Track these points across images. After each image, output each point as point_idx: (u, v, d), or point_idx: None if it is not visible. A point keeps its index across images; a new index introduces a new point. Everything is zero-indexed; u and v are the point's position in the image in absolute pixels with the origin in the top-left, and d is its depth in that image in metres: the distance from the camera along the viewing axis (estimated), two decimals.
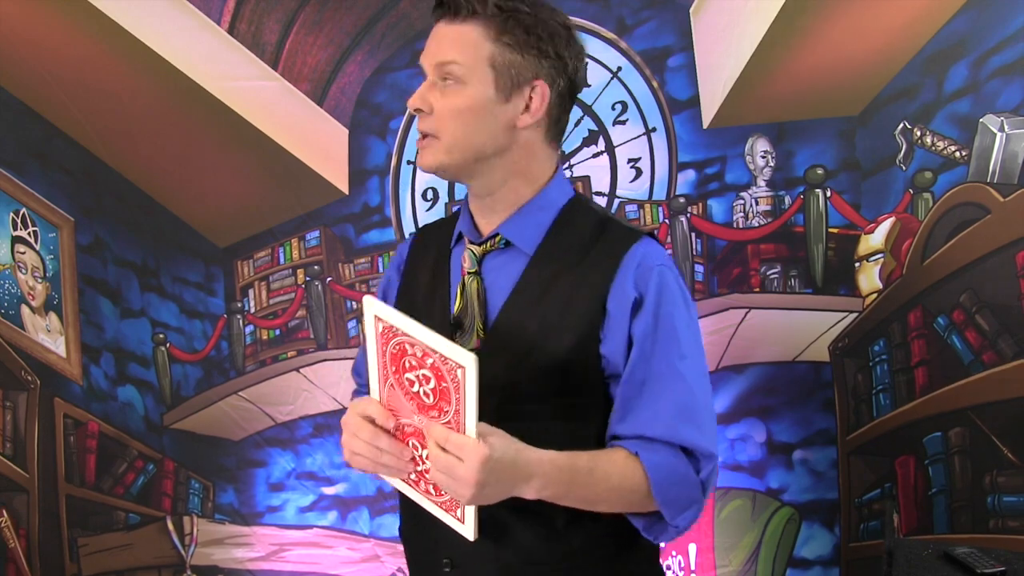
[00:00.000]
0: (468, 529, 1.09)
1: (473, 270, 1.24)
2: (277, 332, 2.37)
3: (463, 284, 1.24)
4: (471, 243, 1.26)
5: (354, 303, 2.32)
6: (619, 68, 2.10)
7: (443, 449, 1.03)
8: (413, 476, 1.14)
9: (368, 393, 1.26)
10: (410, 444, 1.11)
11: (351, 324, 2.33)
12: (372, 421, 1.11)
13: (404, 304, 1.32)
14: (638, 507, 1.17)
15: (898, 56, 1.91)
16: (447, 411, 1.04)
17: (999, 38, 1.83)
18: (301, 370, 2.35)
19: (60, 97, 2.26)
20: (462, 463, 1.02)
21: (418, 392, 1.06)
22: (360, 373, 1.47)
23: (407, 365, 1.06)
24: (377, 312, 1.06)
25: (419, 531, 1.28)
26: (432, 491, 1.12)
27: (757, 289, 2.08)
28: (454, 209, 2.11)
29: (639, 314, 1.16)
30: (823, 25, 1.94)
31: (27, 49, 2.22)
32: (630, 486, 1.14)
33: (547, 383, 1.17)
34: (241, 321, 2.38)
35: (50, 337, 2.39)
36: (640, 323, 1.16)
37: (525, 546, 1.17)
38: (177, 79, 2.21)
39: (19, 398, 2.38)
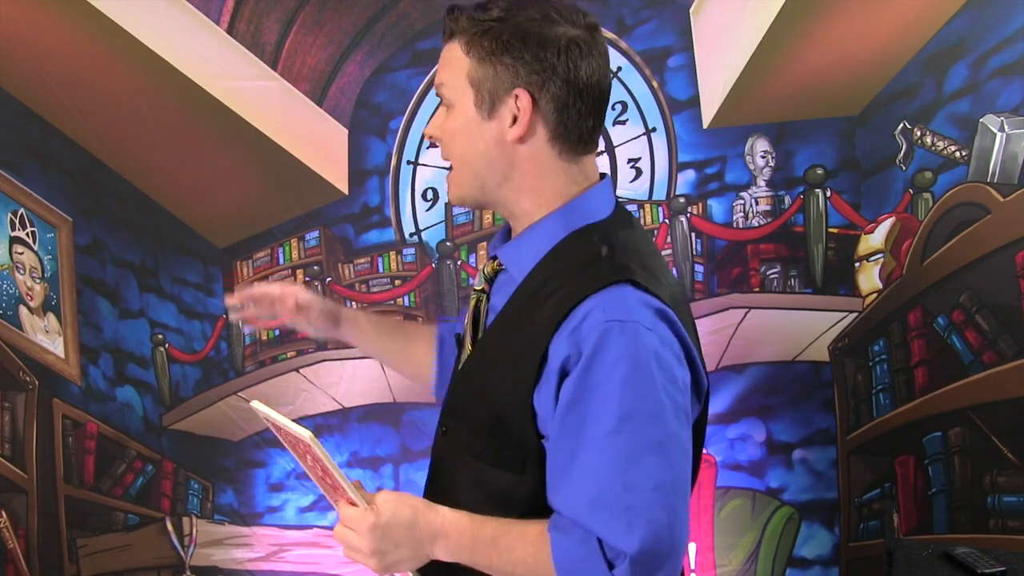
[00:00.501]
0: None
1: (479, 288, 1.21)
2: (276, 332, 2.37)
3: (472, 300, 1.23)
4: (488, 260, 1.22)
5: (354, 303, 2.32)
6: (619, 68, 2.10)
7: (344, 525, 1.05)
8: None
9: None
10: None
11: None
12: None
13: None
14: None
15: (898, 56, 1.91)
16: (340, 489, 1.03)
17: (999, 38, 1.83)
18: (301, 370, 2.35)
19: (59, 97, 2.26)
20: (355, 534, 1.03)
21: (320, 476, 1.06)
22: None
23: (301, 455, 1.07)
24: (263, 413, 1.05)
25: None
26: None
27: (757, 289, 2.08)
28: (454, 210, 2.11)
29: (569, 376, 1.02)
30: (823, 25, 1.94)
31: (26, 49, 2.22)
32: (534, 563, 1.04)
33: (488, 426, 1.11)
34: (240, 322, 2.38)
35: (48, 338, 2.38)
36: (568, 386, 1.02)
37: None
38: (177, 79, 2.20)
39: (17, 399, 2.38)
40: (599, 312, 1.01)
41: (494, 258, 1.19)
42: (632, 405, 0.99)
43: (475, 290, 1.22)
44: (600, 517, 1.00)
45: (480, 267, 1.24)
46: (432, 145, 1.35)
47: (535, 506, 1.08)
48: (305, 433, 0.98)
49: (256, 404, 1.06)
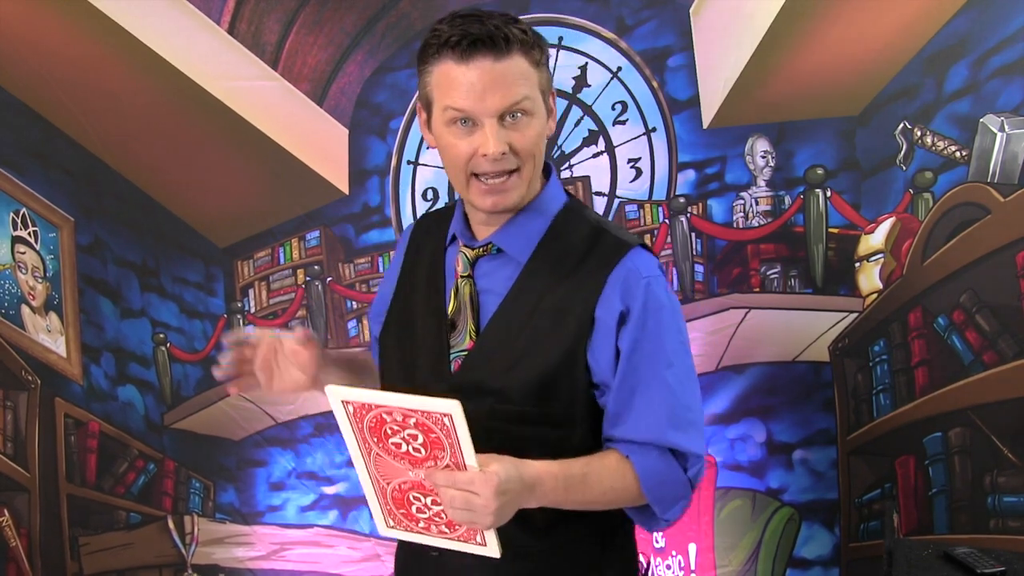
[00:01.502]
0: (492, 550, 1.14)
1: (465, 274, 1.28)
2: (277, 332, 2.37)
3: (456, 287, 1.28)
4: (464, 246, 1.29)
5: (354, 303, 2.32)
6: (619, 68, 2.10)
7: (454, 488, 1.08)
8: (422, 525, 1.18)
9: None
10: (410, 498, 1.15)
11: (351, 324, 2.33)
12: None
13: (402, 299, 1.37)
14: (630, 503, 1.24)
15: (898, 56, 1.91)
16: (442, 457, 1.08)
17: (999, 38, 1.83)
18: None
19: (61, 97, 2.26)
20: (478, 496, 1.07)
21: (407, 451, 1.10)
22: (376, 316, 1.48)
23: (388, 432, 1.09)
24: (343, 397, 1.09)
25: None
26: (446, 529, 1.16)
27: (757, 289, 2.08)
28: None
29: (626, 327, 1.20)
30: (823, 25, 1.94)
31: (27, 49, 2.22)
32: (622, 487, 1.21)
33: (535, 390, 1.21)
34: (241, 321, 2.38)
35: (50, 337, 2.39)
36: (627, 335, 1.20)
37: (509, 538, 1.20)
38: (177, 79, 2.21)
39: (20, 398, 2.39)
40: (635, 273, 1.20)
41: (484, 245, 1.27)
42: (677, 343, 1.23)
43: (462, 276, 1.28)
44: (674, 433, 1.20)
45: (458, 254, 1.30)
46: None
47: (585, 452, 1.22)
48: (451, 402, 1.02)
49: (333, 390, 1.09)
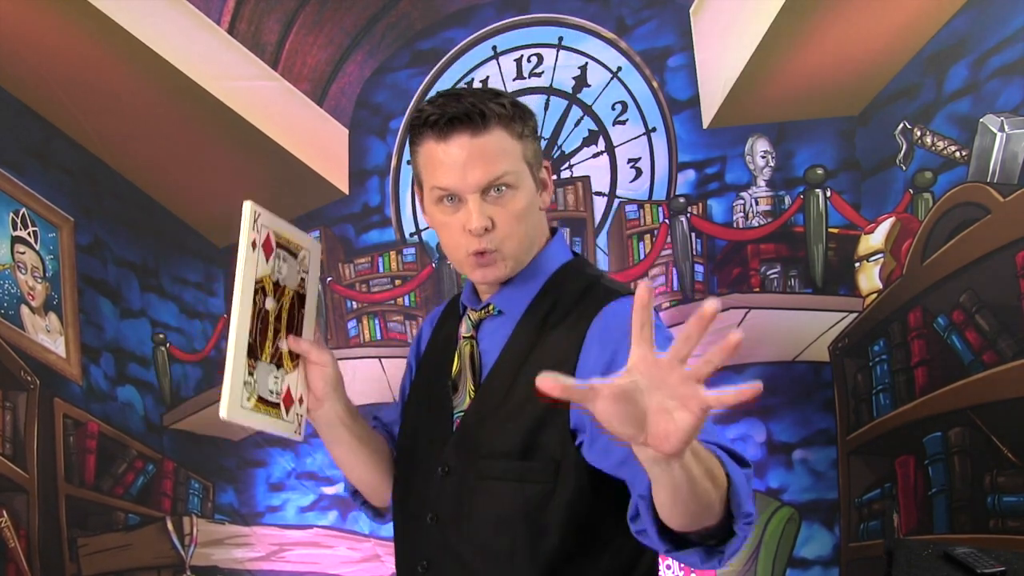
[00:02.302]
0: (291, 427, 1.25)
1: (468, 335, 1.31)
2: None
3: (459, 349, 1.32)
4: (470, 310, 1.34)
5: (354, 303, 2.32)
6: (619, 68, 2.10)
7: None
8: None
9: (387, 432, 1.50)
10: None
11: (351, 324, 2.33)
12: None
13: (420, 369, 1.43)
14: (716, 499, 1.00)
15: (898, 56, 1.91)
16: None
17: (999, 38, 1.83)
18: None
19: (60, 97, 2.26)
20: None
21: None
22: (379, 416, 1.55)
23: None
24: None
25: (401, 536, 1.38)
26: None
27: (757, 289, 2.08)
28: None
29: (612, 369, 1.05)
30: (823, 25, 1.94)
31: (27, 49, 2.22)
32: (714, 473, 0.98)
33: (519, 447, 1.20)
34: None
35: (50, 337, 2.39)
36: (601, 365, 1.13)
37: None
38: (177, 79, 2.21)
39: (19, 398, 2.38)
40: (615, 317, 1.17)
41: (486, 306, 1.30)
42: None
43: (464, 337, 1.31)
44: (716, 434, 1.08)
45: (463, 318, 1.34)
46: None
47: (571, 510, 1.19)
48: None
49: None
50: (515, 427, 1.20)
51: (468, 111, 1.17)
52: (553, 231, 1.33)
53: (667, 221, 2.11)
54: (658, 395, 0.81)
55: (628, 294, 1.22)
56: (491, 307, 1.31)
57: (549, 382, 0.80)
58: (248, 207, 1.23)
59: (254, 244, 1.24)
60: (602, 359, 1.14)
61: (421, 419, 1.36)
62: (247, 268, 1.24)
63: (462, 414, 1.28)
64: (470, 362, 1.29)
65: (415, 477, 1.33)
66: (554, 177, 2.17)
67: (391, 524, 1.45)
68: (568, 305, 1.24)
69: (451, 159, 1.18)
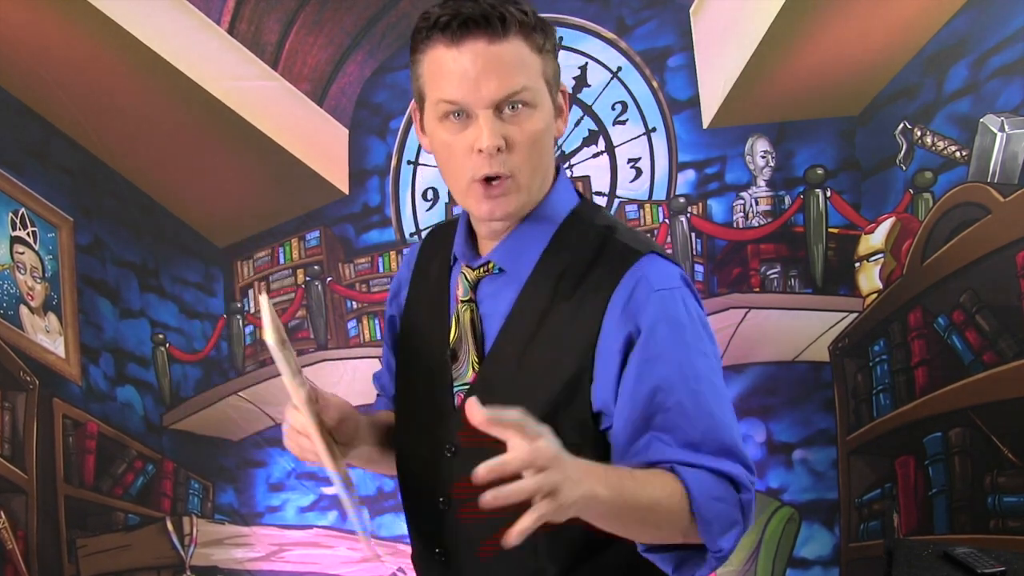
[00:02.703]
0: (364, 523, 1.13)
1: (466, 298, 1.14)
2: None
3: (457, 313, 1.15)
4: (466, 267, 1.16)
5: (354, 303, 2.32)
6: (619, 68, 2.10)
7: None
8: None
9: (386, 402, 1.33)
10: None
11: (351, 324, 2.33)
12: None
13: (407, 327, 1.25)
14: (681, 528, 1.00)
15: (898, 56, 1.91)
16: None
17: (999, 38, 1.83)
18: (301, 370, 2.34)
19: (60, 97, 2.26)
20: (545, 459, 0.86)
21: None
22: (381, 381, 1.39)
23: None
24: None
25: (414, 521, 1.25)
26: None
27: (757, 289, 2.08)
28: (455, 210, 2.09)
29: (635, 350, 1.03)
30: (823, 25, 1.94)
31: (27, 49, 2.22)
32: (669, 502, 0.98)
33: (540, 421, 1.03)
34: (241, 321, 2.38)
35: (49, 337, 2.39)
36: (636, 360, 1.03)
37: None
38: (177, 79, 2.20)
39: (18, 399, 2.38)
40: (644, 284, 1.04)
41: (484, 264, 1.13)
42: (701, 366, 1.04)
43: (462, 301, 1.15)
44: (717, 456, 1.02)
45: (459, 276, 1.16)
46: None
47: None
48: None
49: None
50: (527, 406, 1.00)
51: (486, 13, 1.00)
52: (556, 169, 1.14)
53: (667, 221, 2.11)
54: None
55: (650, 251, 1.08)
56: (491, 265, 1.12)
57: (475, 412, 0.81)
58: (267, 303, 1.03)
59: (284, 342, 1.08)
60: (623, 334, 1.03)
61: (418, 391, 1.20)
62: (290, 369, 1.08)
63: (465, 388, 1.13)
64: (471, 329, 1.13)
65: (418, 456, 1.19)
66: None
67: (391, 523, 1.42)
68: (582, 265, 1.08)
69: (462, 68, 1.01)
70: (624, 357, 1.03)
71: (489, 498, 0.83)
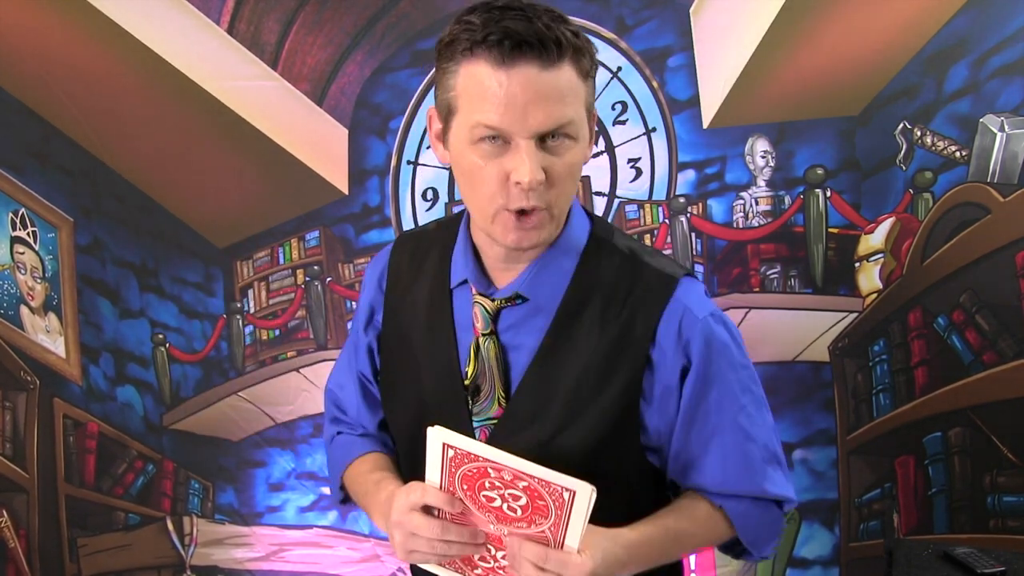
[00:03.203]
0: None
1: (488, 331, 1.08)
2: (277, 332, 2.37)
3: (477, 345, 1.09)
4: (480, 294, 1.09)
5: (354, 303, 2.32)
6: (619, 68, 2.10)
7: (541, 568, 0.93)
8: (479, 572, 1.05)
9: (358, 434, 1.27)
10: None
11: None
12: (430, 510, 0.98)
13: (398, 351, 1.18)
14: (725, 546, 1.16)
15: (898, 56, 1.91)
16: (540, 523, 0.95)
17: (999, 38, 1.83)
18: (301, 370, 2.35)
19: (60, 97, 2.26)
20: None
21: (499, 507, 0.96)
22: (340, 398, 1.30)
23: (485, 485, 0.95)
24: (448, 441, 0.94)
25: None
26: None
27: (757, 289, 2.08)
28: (454, 211, 2.07)
29: (689, 378, 1.05)
30: (823, 25, 1.94)
31: (27, 49, 2.22)
32: (715, 536, 1.11)
33: (579, 460, 1.02)
34: (241, 321, 2.38)
35: (49, 337, 2.39)
36: (691, 388, 1.05)
37: None
38: (177, 79, 2.20)
39: (18, 398, 2.38)
40: (690, 315, 1.04)
41: (509, 296, 1.08)
42: (747, 380, 1.09)
43: (483, 334, 1.09)
44: (762, 480, 1.08)
45: (475, 307, 1.10)
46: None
47: (630, 515, 1.06)
48: (586, 486, 0.90)
49: (439, 432, 0.95)
50: (573, 439, 1.04)
51: (541, 36, 0.92)
52: None
53: (667, 221, 2.11)
54: None
55: (685, 275, 1.07)
56: (515, 296, 1.07)
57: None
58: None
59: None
60: (679, 366, 1.04)
61: (427, 425, 1.09)
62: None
63: (491, 423, 1.09)
64: (496, 362, 1.07)
65: None
66: None
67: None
68: (616, 293, 1.05)
69: (510, 94, 0.93)
70: (680, 390, 1.06)
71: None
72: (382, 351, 1.21)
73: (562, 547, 0.94)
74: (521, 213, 0.99)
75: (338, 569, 2.38)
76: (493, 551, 1.02)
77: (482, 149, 0.98)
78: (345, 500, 1.31)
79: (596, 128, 1.08)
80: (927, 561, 1.54)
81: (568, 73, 0.96)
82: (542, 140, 0.97)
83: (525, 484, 0.92)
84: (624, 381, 1.04)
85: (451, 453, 0.95)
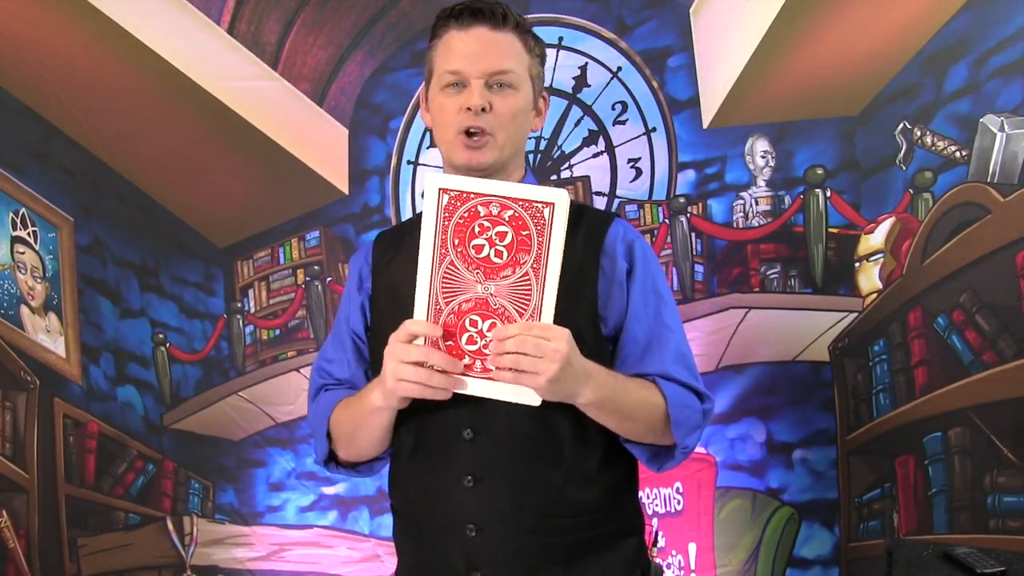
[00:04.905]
0: (532, 396, 1.14)
1: None
2: (277, 332, 2.37)
3: None
4: None
5: None
6: (619, 68, 2.10)
7: (526, 337, 1.10)
8: (466, 361, 1.16)
9: (341, 385, 1.38)
10: (465, 324, 1.14)
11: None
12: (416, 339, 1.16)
13: (387, 307, 1.34)
14: (655, 429, 1.27)
15: (898, 56, 1.91)
16: (524, 262, 1.11)
17: (999, 38, 1.83)
18: (301, 370, 2.35)
19: (60, 97, 2.26)
20: (550, 341, 1.10)
21: (487, 256, 1.12)
22: (330, 368, 1.43)
23: (476, 230, 1.11)
24: (443, 184, 1.11)
25: (434, 505, 1.30)
26: (490, 367, 1.14)
27: (757, 289, 2.08)
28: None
29: (632, 282, 1.30)
30: (823, 25, 1.94)
31: (27, 49, 2.22)
32: (652, 402, 1.26)
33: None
34: (241, 321, 2.38)
35: (50, 337, 2.39)
36: (635, 290, 1.30)
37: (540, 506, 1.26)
38: (177, 79, 2.21)
39: (19, 398, 2.38)
40: (628, 234, 1.32)
41: None
42: (667, 291, 1.35)
43: None
44: (687, 373, 1.30)
45: None
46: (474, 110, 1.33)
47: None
48: (558, 191, 1.09)
49: (435, 177, 1.12)
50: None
51: (492, 8, 1.27)
52: (525, 173, 1.38)
53: (667, 221, 2.11)
54: None
55: (616, 215, 1.38)
56: None
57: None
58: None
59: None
60: (624, 267, 1.29)
61: None
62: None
63: None
64: None
65: (432, 438, 1.29)
66: (553, 177, 2.17)
67: (391, 523, 1.43)
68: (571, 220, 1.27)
69: (466, 46, 1.27)
70: (628, 286, 1.30)
71: (493, 347, 1.10)
72: (373, 308, 1.39)
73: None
74: (470, 136, 1.27)
75: (338, 569, 2.39)
76: (483, 324, 1.14)
77: (447, 92, 1.29)
78: (328, 460, 1.41)
79: (547, 109, 1.37)
80: (927, 561, 1.54)
81: (511, 38, 1.28)
82: (489, 85, 1.27)
83: (512, 212, 1.10)
84: (586, 290, 1.27)
85: (445, 200, 1.11)
